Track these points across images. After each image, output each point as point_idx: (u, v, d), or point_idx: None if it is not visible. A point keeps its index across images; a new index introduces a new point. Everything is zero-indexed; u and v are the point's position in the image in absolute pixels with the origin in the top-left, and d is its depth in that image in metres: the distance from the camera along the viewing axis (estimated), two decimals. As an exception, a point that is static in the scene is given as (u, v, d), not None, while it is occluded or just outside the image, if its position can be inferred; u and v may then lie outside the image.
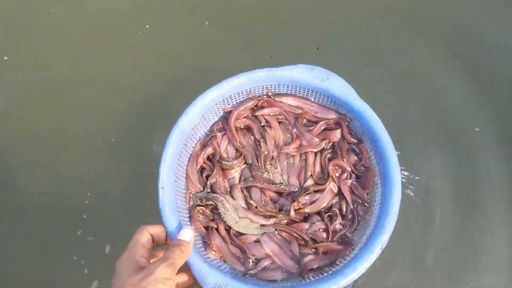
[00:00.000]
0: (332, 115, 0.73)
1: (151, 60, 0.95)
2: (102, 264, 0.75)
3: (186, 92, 0.72)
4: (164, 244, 0.63)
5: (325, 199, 0.67)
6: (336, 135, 0.71)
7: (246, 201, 0.69)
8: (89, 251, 0.79)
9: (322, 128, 0.72)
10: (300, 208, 0.67)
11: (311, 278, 0.62)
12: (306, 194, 0.67)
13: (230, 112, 0.74)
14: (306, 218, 0.68)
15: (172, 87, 0.90)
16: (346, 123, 0.71)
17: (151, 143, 0.85)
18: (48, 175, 0.85)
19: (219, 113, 0.76)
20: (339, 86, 0.70)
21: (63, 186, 0.84)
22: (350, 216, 0.67)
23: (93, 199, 0.82)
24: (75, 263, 0.78)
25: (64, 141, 0.89)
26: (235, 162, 0.71)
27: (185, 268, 0.61)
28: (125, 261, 0.56)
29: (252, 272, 0.63)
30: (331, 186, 0.68)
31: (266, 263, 0.64)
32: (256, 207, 0.68)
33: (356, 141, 0.70)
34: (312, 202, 0.67)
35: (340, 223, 0.66)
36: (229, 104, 0.75)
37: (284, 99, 0.75)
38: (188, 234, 0.60)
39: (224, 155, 0.73)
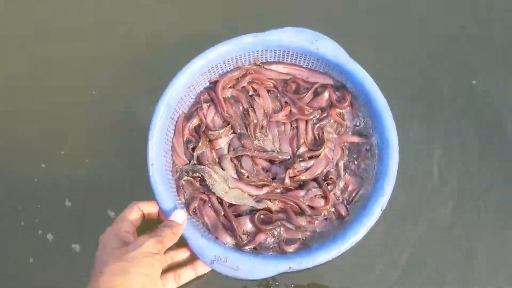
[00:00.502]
0: (324, 80, 0.70)
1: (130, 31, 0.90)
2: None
3: (170, 64, 0.69)
4: (157, 221, 0.62)
5: (321, 165, 0.66)
6: (324, 98, 0.69)
7: (236, 171, 0.67)
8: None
9: (313, 95, 0.70)
10: (295, 176, 0.65)
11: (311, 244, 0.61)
12: (301, 161, 0.66)
13: (216, 81, 0.71)
14: (301, 186, 0.66)
15: (154, 59, 0.85)
16: (336, 87, 0.69)
17: (137, 118, 0.82)
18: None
19: (206, 84, 0.73)
20: (329, 48, 0.68)
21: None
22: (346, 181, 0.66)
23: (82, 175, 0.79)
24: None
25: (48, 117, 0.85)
26: (221, 131, 0.68)
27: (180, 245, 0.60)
28: (110, 235, 0.54)
29: (247, 248, 0.62)
30: (326, 152, 0.67)
31: (262, 237, 0.63)
32: (247, 177, 0.66)
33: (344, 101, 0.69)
34: (307, 169, 0.66)
35: (338, 189, 0.65)
36: (215, 74, 0.72)
37: (273, 67, 0.72)
38: (180, 216, 0.58)
39: (211, 125, 0.70)
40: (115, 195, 0.76)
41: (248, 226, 0.63)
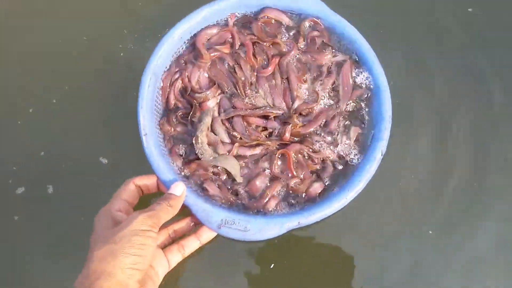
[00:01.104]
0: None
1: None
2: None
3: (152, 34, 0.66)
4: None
5: (319, 117, 0.64)
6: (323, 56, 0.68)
7: (229, 134, 0.64)
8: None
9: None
10: (295, 129, 0.64)
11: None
12: (299, 115, 0.64)
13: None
14: (300, 141, 0.64)
15: (134, 30, 0.81)
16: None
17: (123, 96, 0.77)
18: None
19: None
20: (310, 2, 0.67)
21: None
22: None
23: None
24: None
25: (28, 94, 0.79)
26: (208, 92, 0.65)
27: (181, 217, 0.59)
28: (101, 215, 0.52)
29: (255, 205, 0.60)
30: (322, 104, 0.66)
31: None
32: (240, 138, 0.63)
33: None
34: (306, 123, 0.64)
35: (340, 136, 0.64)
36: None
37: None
38: (179, 188, 0.56)
39: (196, 87, 0.67)
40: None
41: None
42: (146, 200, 0.60)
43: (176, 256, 0.57)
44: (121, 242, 0.46)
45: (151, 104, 0.63)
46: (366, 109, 0.65)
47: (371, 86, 0.64)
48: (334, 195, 0.58)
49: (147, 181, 0.58)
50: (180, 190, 0.56)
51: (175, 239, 0.59)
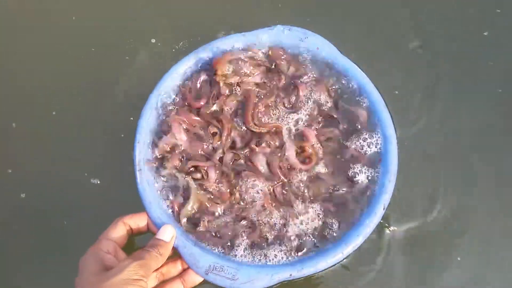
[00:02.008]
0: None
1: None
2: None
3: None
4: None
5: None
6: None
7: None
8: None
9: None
10: None
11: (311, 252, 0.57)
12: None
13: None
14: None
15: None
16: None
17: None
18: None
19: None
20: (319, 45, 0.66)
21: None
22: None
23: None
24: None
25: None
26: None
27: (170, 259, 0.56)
28: (89, 258, 0.50)
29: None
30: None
31: None
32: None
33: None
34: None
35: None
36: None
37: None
38: (168, 233, 0.54)
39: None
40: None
41: None
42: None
43: None
44: None
45: (150, 139, 0.62)
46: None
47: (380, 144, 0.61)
48: (329, 249, 0.55)
49: (137, 221, 0.56)
50: (169, 235, 0.54)
51: (161, 282, 0.56)
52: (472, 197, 0.66)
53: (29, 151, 0.72)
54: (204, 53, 0.66)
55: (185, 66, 0.66)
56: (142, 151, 0.60)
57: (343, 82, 0.65)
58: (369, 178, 0.60)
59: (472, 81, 0.72)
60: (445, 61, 0.74)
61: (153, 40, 0.77)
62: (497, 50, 0.74)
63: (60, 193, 0.68)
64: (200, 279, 0.55)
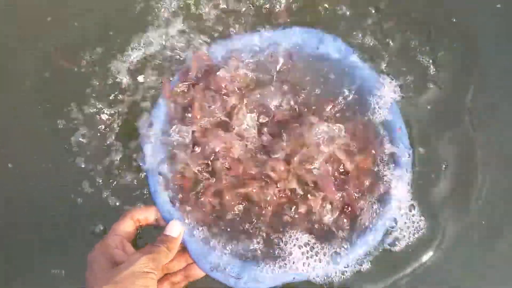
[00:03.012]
0: None
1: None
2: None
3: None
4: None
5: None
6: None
7: None
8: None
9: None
10: None
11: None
12: None
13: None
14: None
15: None
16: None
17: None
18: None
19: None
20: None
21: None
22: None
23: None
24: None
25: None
26: None
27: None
28: (98, 254, 0.50)
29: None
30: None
31: None
32: None
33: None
34: None
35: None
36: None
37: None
38: (176, 229, 0.55)
39: None
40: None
41: None
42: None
43: None
44: (123, 283, 0.46)
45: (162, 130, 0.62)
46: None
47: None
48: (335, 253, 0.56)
49: (146, 215, 0.57)
50: (177, 231, 0.55)
51: (165, 274, 0.57)
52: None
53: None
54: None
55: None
56: (152, 148, 0.60)
57: None
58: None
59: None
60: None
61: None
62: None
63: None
64: (203, 274, 0.56)
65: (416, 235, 0.60)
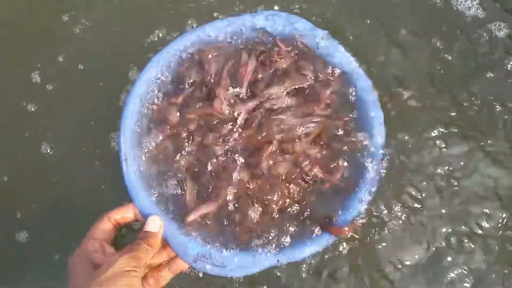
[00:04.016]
0: None
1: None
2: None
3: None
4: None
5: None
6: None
7: None
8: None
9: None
10: None
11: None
12: None
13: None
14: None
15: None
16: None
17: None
18: None
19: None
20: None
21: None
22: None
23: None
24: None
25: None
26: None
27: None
28: (77, 259, 0.50)
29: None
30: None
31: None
32: None
33: None
34: None
35: None
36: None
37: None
38: (155, 224, 0.55)
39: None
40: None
41: None
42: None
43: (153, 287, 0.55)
44: (106, 284, 0.46)
45: (133, 127, 0.61)
46: None
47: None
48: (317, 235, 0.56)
49: (124, 214, 0.56)
50: (156, 226, 0.54)
51: (149, 270, 0.57)
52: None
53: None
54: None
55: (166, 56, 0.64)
56: (127, 140, 0.60)
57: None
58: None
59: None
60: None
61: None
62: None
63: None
64: (187, 266, 0.56)
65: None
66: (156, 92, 0.63)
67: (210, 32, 0.64)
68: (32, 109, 0.72)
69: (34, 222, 0.67)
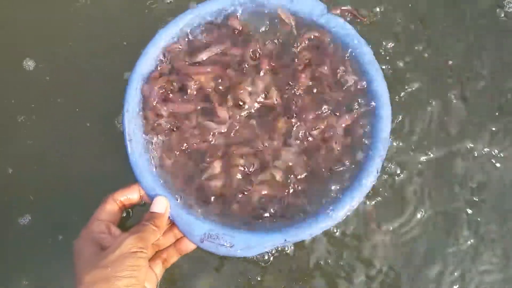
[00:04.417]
0: None
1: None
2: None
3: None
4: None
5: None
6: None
7: None
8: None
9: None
10: None
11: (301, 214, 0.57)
12: None
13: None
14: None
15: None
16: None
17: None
18: None
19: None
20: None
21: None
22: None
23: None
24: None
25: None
26: None
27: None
28: (83, 240, 0.50)
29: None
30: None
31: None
32: None
33: None
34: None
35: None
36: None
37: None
38: (161, 204, 0.54)
39: None
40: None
41: None
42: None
43: (160, 268, 0.56)
44: (112, 266, 0.45)
45: (137, 108, 0.60)
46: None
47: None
48: (324, 213, 0.55)
49: (129, 195, 0.55)
50: (162, 207, 0.54)
51: (156, 251, 0.56)
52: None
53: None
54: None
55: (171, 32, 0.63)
56: (132, 121, 0.59)
57: None
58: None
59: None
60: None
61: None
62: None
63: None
64: (194, 246, 0.56)
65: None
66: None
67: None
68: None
69: (37, 205, 0.67)
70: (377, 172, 0.56)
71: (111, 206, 0.54)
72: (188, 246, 0.56)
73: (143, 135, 0.59)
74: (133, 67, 0.61)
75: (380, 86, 0.59)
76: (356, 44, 0.61)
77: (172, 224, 0.55)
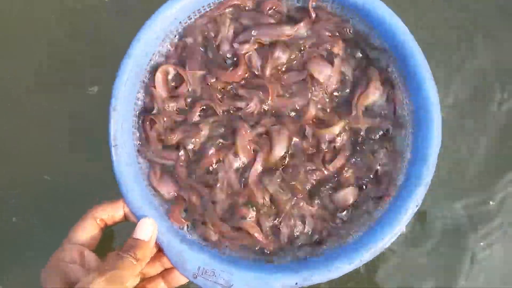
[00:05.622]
0: None
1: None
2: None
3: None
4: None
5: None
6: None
7: None
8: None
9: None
10: None
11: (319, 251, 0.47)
12: None
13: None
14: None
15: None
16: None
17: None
18: None
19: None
20: None
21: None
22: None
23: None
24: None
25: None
26: None
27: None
28: (50, 273, 0.40)
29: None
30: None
31: None
32: None
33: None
34: None
35: None
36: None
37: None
38: (147, 229, 0.44)
39: None
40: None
41: None
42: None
43: None
44: None
45: (130, 102, 0.50)
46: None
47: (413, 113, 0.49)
48: (346, 252, 0.45)
49: (112, 212, 0.46)
50: (148, 233, 0.43)
51: (141, 280, 0.47)
52: None
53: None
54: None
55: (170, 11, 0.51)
56: (119, 121, 0.48)
57: None
58: None
59: None
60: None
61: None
62: None
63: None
64: (185, 280, 0.46)
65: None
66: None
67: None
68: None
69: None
70: (416, 207, 0.45)
71: (90, 226, 0.44)
72: (180, 279, 0.46)
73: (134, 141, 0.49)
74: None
75: None
76: None
77: (160, 250, 0.46)
